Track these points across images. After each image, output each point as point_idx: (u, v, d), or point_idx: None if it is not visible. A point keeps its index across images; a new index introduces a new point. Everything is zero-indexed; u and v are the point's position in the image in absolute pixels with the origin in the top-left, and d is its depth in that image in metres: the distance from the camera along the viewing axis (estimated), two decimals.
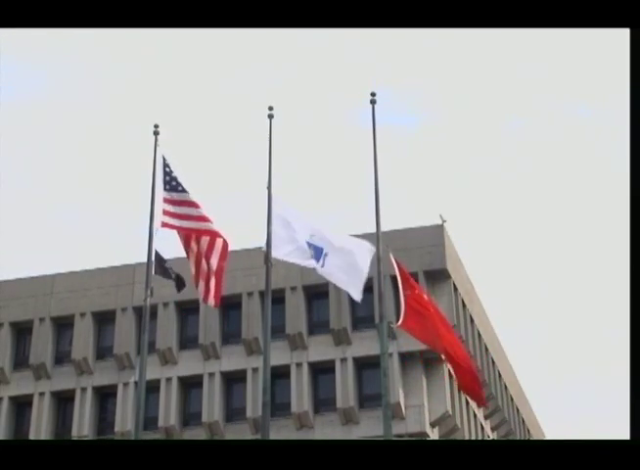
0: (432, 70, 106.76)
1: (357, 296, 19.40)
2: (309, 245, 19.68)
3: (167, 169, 20.56)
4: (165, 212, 20.11)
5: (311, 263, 19.51)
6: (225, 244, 19.88)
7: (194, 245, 20.00)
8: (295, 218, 19.88)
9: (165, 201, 20.20)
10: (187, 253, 20.18)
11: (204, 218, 19.94)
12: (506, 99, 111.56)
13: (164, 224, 20.11)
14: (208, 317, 42.24)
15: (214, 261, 19.78)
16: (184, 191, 20.27)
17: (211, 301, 19.85)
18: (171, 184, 20.34)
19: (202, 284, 19.85)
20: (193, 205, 20.07)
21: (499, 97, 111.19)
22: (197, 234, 20.03)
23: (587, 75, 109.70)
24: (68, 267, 54.05)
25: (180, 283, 20.56)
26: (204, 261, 19.86)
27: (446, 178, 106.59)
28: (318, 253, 19.63)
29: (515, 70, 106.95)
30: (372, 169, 20.53)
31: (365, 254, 19.59)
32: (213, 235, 19.91)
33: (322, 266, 19.48)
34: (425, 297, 19.57)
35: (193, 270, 19.96)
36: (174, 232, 20.37)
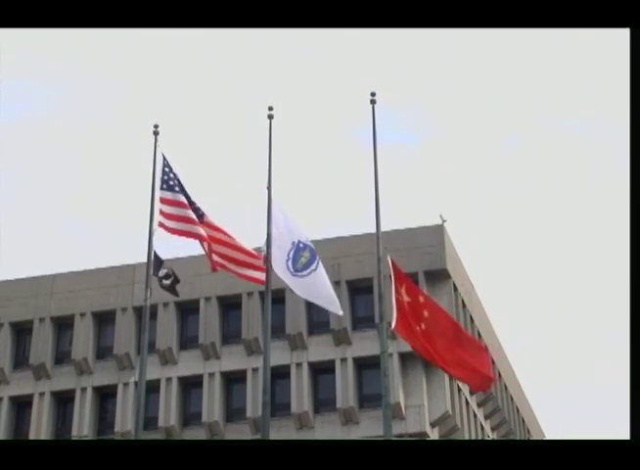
0: (430, 81, 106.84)
1: (338, 310, 19.99)
2: (305, 246, 19.70)
3: (167, 169, 20.44)
4: (161, 213, 20.03)
5: (286, 275, 19.72)
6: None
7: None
8: (283, 226, 19.93)
9: (162, 201, 20.08)
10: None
11: (191, 221, 19.83)
12: (505, 112, 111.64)
13: (160, 224, 20.02)
14: (208, 317, 42.23)
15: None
16: (178, 191, 20.10)
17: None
18: (168, 184, 20.19)
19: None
20: (184, 205, 19.92)
21: (498, 109, 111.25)
22: (187, 236, 19.96)
23: (587, 81, 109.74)
24: (68, 267, 54.06)
25: (174, 287, 20.46)
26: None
27: (447, 181, 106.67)
28: (312, 256, 19.72)
29: (513, 77, 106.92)
30: (372, 170, 20.51)
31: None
32: (201, 239, 19.87)
33: (310, 272, 19.67)
34: (421, 299, 19.22)
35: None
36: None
